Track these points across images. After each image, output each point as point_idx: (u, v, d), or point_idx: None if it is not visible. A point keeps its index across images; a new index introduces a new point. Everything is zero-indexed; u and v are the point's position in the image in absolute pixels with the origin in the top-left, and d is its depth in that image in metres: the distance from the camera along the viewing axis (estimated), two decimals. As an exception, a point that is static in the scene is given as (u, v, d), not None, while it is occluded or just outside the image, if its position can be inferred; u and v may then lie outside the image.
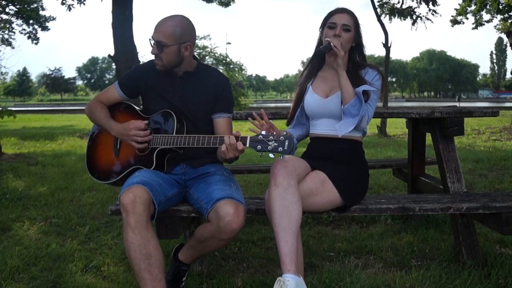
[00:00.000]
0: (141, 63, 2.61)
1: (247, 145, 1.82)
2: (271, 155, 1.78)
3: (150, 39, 2.08)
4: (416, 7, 10.94)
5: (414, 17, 10.94)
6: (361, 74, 2.19)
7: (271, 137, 1.78)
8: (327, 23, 2.20)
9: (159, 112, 2.12)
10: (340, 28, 2.15)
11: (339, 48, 2.06)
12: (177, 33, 2.04)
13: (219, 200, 1.87)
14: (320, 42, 2.27)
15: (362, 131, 2.22)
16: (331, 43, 2.07)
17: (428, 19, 10.95)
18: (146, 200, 1.83)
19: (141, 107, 2.26)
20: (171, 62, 2.10)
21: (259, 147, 1.79)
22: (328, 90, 2.22)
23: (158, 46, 2.05)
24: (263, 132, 1.81)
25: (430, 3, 10.74)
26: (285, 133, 1.80)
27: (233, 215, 1.82)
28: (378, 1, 10.98)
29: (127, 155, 2.14)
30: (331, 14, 2.22)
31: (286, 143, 1.76)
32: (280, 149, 1.76)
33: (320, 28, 2.27)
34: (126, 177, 2.04)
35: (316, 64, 2.32)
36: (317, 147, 2.23)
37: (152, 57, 2.12)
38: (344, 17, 2.18)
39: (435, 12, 10.87)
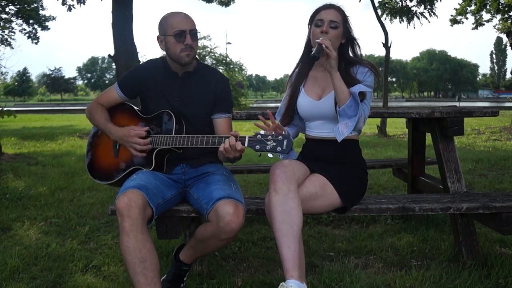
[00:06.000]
0: (141, 63, 2.60)
1: (246, 145, 1.81)
2: (269, 155, 1.77)
3: (165, 36, 2.07)
4: (414, 6, 10.95)
5: (410, 15, 10.94)
6: (353, 71, 2.11)
7: (269, 136, 1.77)
8: (314, 20, 2.11)
9: (158, 112, 2.11)
10: (327, 25, 2.06)
11: (331, 49, 1.96)
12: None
13: (219, 200, 1.87)
14: (308, 40, 2.20)
15: (358, 130, 2.17)
16: (323, 45, 1.98)
17: (424, 17, 10.96)
18: (141, 204, 1.83)
19: (140, 107, 2.26)
20: (196, 51, 2.12)
21: (257, 147, 1.77)
22: (321, 91, 2.17)
23: (194, 35, 2.07)
24: (262, 132, 1.79)
25: (428, 3, 10.75)
26: (283, 133, 1.79)
27: (232, 215, 1.82)
28: (378, 1, 10.99)
29: (127, 155, 2.13)
30: (317, 11, 2.12)
31: (285, 143, 1.74)
32: (279, 148, 1.75)
33: (308, 25, 2.19)
34: (126, 178, 2.05)
35: (307, 64, 2.24)
36: (313, 148, 2.20)
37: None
38: (331, 13, 2.08)
39: (431, 11, 10.87)
